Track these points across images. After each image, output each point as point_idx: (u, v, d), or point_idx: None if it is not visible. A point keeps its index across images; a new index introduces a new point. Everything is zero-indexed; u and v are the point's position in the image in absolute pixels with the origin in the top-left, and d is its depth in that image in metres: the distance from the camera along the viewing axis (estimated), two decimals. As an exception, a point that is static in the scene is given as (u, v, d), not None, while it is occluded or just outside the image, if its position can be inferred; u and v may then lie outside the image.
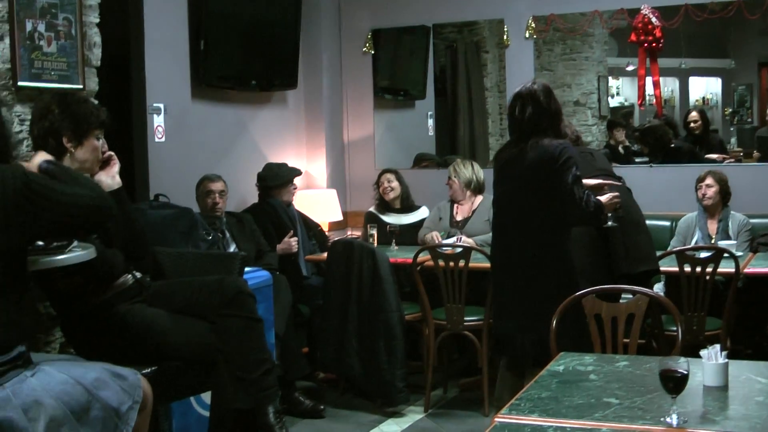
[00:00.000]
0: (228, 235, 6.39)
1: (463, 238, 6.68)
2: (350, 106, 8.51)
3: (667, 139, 7.86)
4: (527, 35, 7.86)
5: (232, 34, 7.01)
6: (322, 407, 6.03)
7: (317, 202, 7.62)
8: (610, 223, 4.99)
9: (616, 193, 5.00)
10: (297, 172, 7.23)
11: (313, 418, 5.98)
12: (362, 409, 6.16)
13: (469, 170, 7.11)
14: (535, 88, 4.95)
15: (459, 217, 7.06)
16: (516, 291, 4.91)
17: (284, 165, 7.27)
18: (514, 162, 4.91)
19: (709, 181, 6.57)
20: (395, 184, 7.40)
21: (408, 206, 7.46)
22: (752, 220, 6.67)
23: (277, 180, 7.06)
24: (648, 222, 5.95)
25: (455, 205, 7.13)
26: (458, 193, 7.07)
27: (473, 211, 7.04)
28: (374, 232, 6.95)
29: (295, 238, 6.75)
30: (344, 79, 8.49)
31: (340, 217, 8.03)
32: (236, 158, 7.34)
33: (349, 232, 8.11)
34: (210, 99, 7.10)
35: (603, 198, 4.88)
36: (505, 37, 7.95)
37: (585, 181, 4.86)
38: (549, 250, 4.83)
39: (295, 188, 7.26)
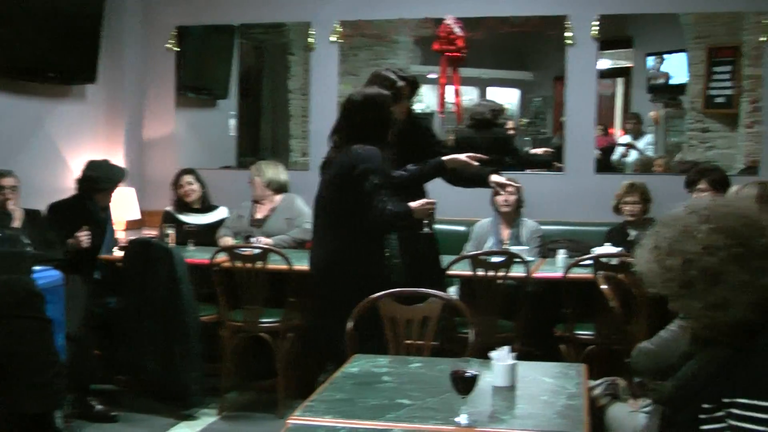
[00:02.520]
0: (20, 232, 6.14)
1: (262, 239, 6.67)
2: (152, 103, 8.34)
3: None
4: (333, 39, 7.91)
5: (28, 23, 6.73)
6: (114, 413, 5.88)
7: (114, 199, 7.41)
8: (426, 229, 5.06)
9: (432, 201, 5.08)
10: (126, 173, 7.05)
11: (104, 422, 5.83)
12: (157, 412, 6.05)
13: (271, 170, 7.17)
14: (355, 98, 5.03)
15: (259, 216, 7.09)
16: (320, 291, 4.97)
17: (116, 166, 7.06)
18: (328, 166, 5.00)
19: (511, 189, 6.77)
20: (195, 186, 7.31)
21: (207, 206, 7.39)
22: (543, 227, 6.94)
23: (109, 183, 6.83)
24: (444, 227, 6.11)
25: (256, 205, 7.14)
26: (260, 191, 7.09)
27: (272, 210, 7.08)
28: (171, 231, 6.83)
29: (87, 233, 6.49)
30: (146, 75, 8.31)
31: (138, 216, 7.85)
32: (31, 153, 7.07)
33: (145, 231, 7.93)
34: (3, 90, 6.81)
35: (414, 204, 4.96)
36: (311, 40, 7.98)
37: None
38: (348, 253, 4.88)
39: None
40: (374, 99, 5.01)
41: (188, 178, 7.31)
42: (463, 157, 5.33)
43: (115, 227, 7.15)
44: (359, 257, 4.91)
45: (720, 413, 2.34)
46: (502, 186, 5.57)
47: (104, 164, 7.00)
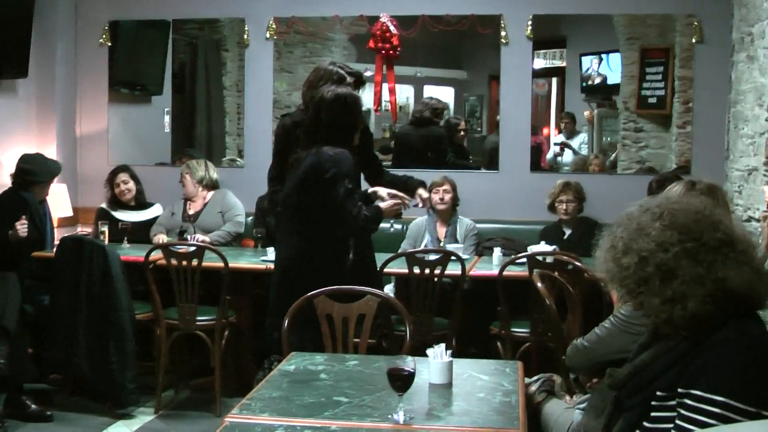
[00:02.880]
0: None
1: (199, 236, 6.63)
2: (84, 99, 8.23)
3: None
4: (268, 36, 7.88)
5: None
6: (49, 413, 5.80)
7: (49, 194, 7.29)
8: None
9: (398, 201, 5.06)
10: (60, 167, 6.93)
11: (39, 421, 5.74)
12: (92, 411, 5.99)
13: (202, 168, 7.15)
14: (327, 96, 4.90)
15: (191, 211, 7.09)
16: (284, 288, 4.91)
17: (47, 158, 6.94)
18: (296, 165, 4.91)
19: (446, 186, 6.81)
20: (131, 184, 7.26)
21: (141, 204, 7.32)
22: (478, 225, 6.98)
23: (44, 176, 6.72)
24: (379, 225, 6.11)
25: (188, 203, 7.12)
26: (191, 189, 7.10)
27: (205, 205, 7.11)
28: (105, 229, 6.77)
29: (24, 222, 6.37)
30: (79, 71, 8.20)
31: (70, 213, 7.74)
32: (-42, 148, 6.94)
33: (79, 229, 7.83)
34: (-70, 85, 6.69)
35: (383, 205, 4.98)
36: (245, 36, 7.93)
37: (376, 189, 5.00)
38: (314, 253, 4.89)
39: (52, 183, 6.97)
40: (345, 99, 4.92)
41: (123, 176, 7.24)
42: (384, 193, 5.22)
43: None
44: (325, 257, 4.90)
45: (672, 402, 2.38)
46: (424, 201, 5.52)
47: (39, 157, 6.89)
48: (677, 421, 2.34)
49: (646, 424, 2.43)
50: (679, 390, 2.36)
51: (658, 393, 2.41)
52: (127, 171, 7.29)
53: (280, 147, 5.23)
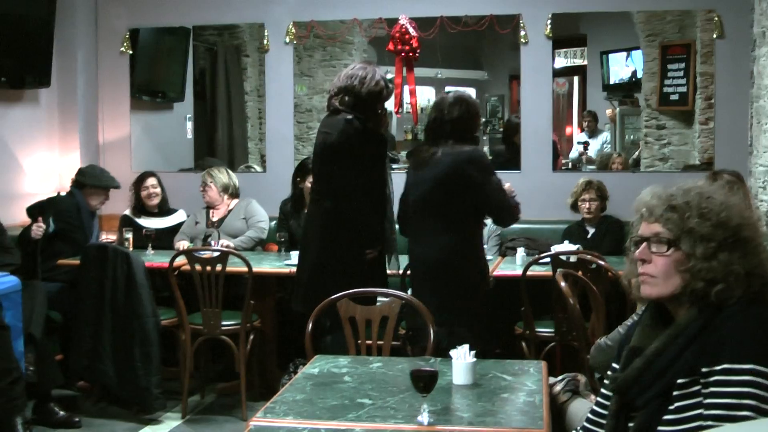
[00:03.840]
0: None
1: (223, 241, 6.64)
2: (106, 107, 8.27)
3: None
4: (287, 40, 7.90)
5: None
6: (77, 419, 5.82)
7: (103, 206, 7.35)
8: None
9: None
10: (116, 184, 7.04)
11: (67, 428, 5.77)
12: (118, 417, 6.01)
13: (225, 176, 7.16)
14: (446, 98, 5.10)
15: (215, 218, 7.09)
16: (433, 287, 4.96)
17: (108, 173, 7.12)
18: (423, 164, 5.01)
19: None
20: (158, 189, 7.28)
21: (165, 210, 7.34)
22: (501, 226, 6.96)
23: (93, 180, 6.93)
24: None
25: (211, 210, 7.13)
26: (215, 198, 7.09)
27: (229, 211, 7.12)
28: (129, 236, 6.80)
29: (42, 226, 6.45)
30: (100, 79, 8.24)
31: (95, 221, 7.78)
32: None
33: (104, 236, 7.87)
34: (-46, 95, 6.75)
35: (512, 191, 5.15)
36: (265, 41, 7.96)
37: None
38: (465, 250, 4.97)
39: (107, 199, 7.09)
40: (467, 100, 5.11)
41: (152, 180, 7.27)
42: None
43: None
44: (472, 255, 5.03)
45: (695, 387, 2.37)
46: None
47: (99, 168, 7.22)
48: (708, 400, 2.33)
49: (668, 417, 2.41)
50: (703, 370, 2.35)
51: (679, 381, 2.40)
52: (155, 176, 7.33)
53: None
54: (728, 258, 2.46)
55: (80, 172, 7.01)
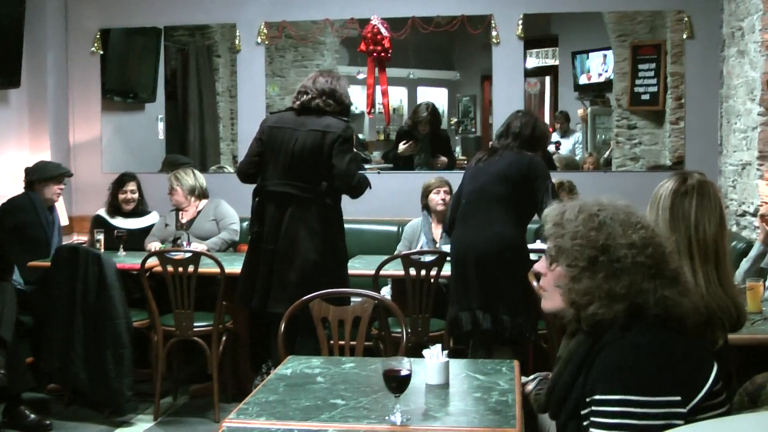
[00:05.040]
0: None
1: (194, 244, 6.62)
2: (77, 108, 8.23)
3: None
4: (259, 41, 7.88)
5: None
6: (48, 422, 5.78)
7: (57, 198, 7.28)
8: None
9: None
10: (63, 171, 6.95)
11: (38, 431, 5.72)
12: (90, 420, 5.96)
13: (191, 178, 7.12)
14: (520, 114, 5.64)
15: (184, 219, 7.06)
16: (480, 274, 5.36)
17: (55, 163, 7.06)
18: (490, 160, 5.50)
19: (447, 188, 6.79)
20: (136, 195, 7.25)
21: (140, 211, 7.30)
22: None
23: (38, 174, 6.82)
24: (374, 227, 6.13)
25: (180, 211, 7.10)
26: (182, 200, 7.07)
27: (198, 212, 7.08)
28: (101, 237, 6.76)
29: None
30: (71, 80, 8.20)
31: (66, 222, 7.74)
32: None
33: (75, 238, 7.83)
34: None
35: None
36: (236, 41, 7.94)
37: None
38: (513, 241, 5.41)
39: (62, 188, 6.97)
40: (536, 120, 5.64)
41: (131, 186, 7.22)
42: None
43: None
44: (519, 246, 5.43)
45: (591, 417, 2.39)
46: None
47: (44, 161, 7.12)
48: (591, 429, 2.35)
49: None
50: (587, 400, 2.38)
51: (582, 411, 2.41)
52: (135, 180, 7.28)
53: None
54: (591, 280, 2.45)
55: (27, 172, 6.93)
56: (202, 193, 7.15)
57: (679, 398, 2.28)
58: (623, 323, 2.41)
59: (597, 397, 2.33)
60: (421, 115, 8.05)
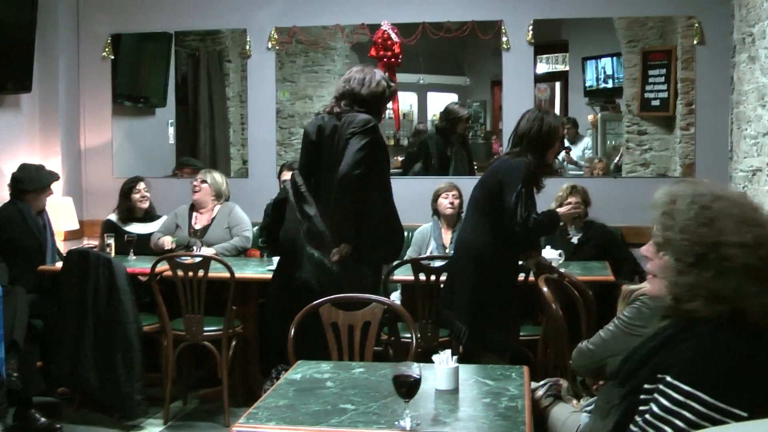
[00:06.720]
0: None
1: (204, 249, 6.63)
2: (88, 112, 8.25)
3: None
4: (269, 46, 7.89)
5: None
6: (59, 425, 5.80)
7: (52, 210, 7.28)
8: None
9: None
10: (55, 177, 6.92)
11: (49, 435, 5.76)
12: (100, 423, 5.99)
13: (220, 179, 7.12)
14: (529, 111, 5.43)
15: (198, 226, 7.04)
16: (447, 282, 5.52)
17: (42, 168, 6.91)
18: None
19: (456, 192, 6.80)
20: (148, 194, 7.23)
21: (150, 216, 7.30)
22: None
23: (34, 184, 6.74)
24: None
25: (194, 214, 7.08)
26: (206, 198, 7.03)
27: (213, 219, 7.04)
28: (111, 241, 6.76)
29: None
30: (82, 85, 8.22)
31: (76, 226, 7.76)
32: (-36, 163, 6.96)
33: (85, 242, 7.85)
34: (-66, 101, 6.71)
35: (561, 209, 5.64)
36: (247, 47, 7.95)
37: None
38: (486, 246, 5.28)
39: (51, 193, 6.95)
40: (542, 117, 5.30)
41: (143, 185, 7.21)
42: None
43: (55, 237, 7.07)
44: (493, 251, 5.24)
45: (654, 394, 2.38)
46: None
47: (32, 167, 6.91)
48: (645, 406, 2.35)
49: (637, 418, 2.42)
50: (658, 376, 2.36)
51: (645, 386, 2.40)
52: (144, 181, 7.27)
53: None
54: (697, 277, 2.41)
55: (16, 179, 6.78)
56: (224, 197, 7.13)
57: (746, 414, 2.25)
58: (721, 322, 2.38)
59: (669, 379, 2.32)
60: (460, 114, 8.05)
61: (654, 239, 2.51)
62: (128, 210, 7.22)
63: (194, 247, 6.63)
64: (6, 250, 6.45)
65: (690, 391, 2.28)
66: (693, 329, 2.40)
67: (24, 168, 6.86)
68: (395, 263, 5.81)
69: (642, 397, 2.40)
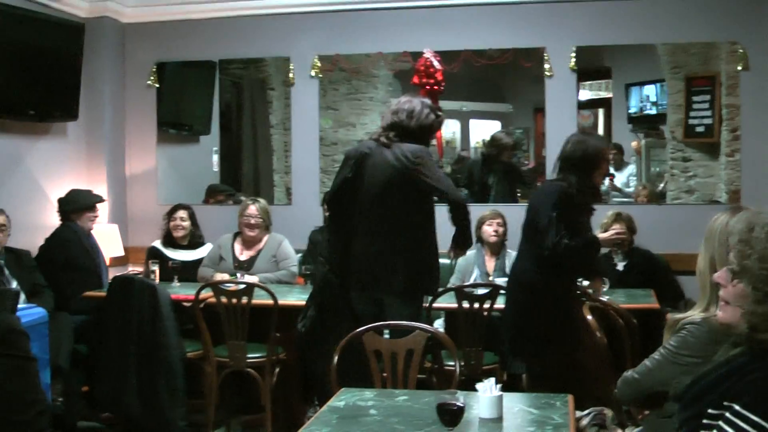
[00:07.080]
0: (7, 271, 6.16)
1: (247, 276, 6.63)
2: (133, 140, 8.34)
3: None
4: (312, 74, 7.94)
5: (7, 62, 6.73)
6: (101, 450, 5.85)
7: (98, 236, 7.37)
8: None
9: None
10: (98, 199, 7.06)
11: (91, 459, 5.78)
12: (142, 449, 6.00)
13: (267, 208, 7.09)
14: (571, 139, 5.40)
15: (243, 257, 6.99)
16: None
17: (86, 191, 7.15)
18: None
19: (500, 220, 6.79)
20: (187, 223, 7.26)
21: (194, 243, 7.33)
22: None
23: (72, 205, 6.97)
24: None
25: (237, 245, 7.05)
26: (255, 234, 6.98)
27: (259, 251, 7.00)
28: (156, 268, 6.80)
29: None
30: (127, 112, 8.32)
31: (121, 253, 7.83)
32: (12, 191, 7.05)
33: (130, 268, 7.91)
34: (-18, 129, 6.82)
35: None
36: (290, 75, 8.01)
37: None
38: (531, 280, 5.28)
39: (97, 215, 7.07)
40: (585, 141, 5.33)
41: (181, 213, 7.25)
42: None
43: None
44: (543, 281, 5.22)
45: (719, 421, 2.35)
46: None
47: (78, 190, 7.23)
48: (714, 430, 2.32)
49: None
50: (725, 403, 2.34)
51: (710, 411, 2.37)
52: (187, 209, 7.32)
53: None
54: None
55: (62, 202, 7.08)
56: (268, 227, 7.12)
57: None
58: None
59: (737, 408, 2.29)
60: (503, 141, 8.09)
61: (729, 267, 2.49)
62: (168, 236, 7.27)
63: (238, 274, 6.64)
64: (65, 269, 6.57)
65: (758, 422, 2.25)
66: (766, 360, 2.38)
67: (70, 191, 7.12)
68: (439, 291, 5.79)
69: (705, 421, 2.38)
